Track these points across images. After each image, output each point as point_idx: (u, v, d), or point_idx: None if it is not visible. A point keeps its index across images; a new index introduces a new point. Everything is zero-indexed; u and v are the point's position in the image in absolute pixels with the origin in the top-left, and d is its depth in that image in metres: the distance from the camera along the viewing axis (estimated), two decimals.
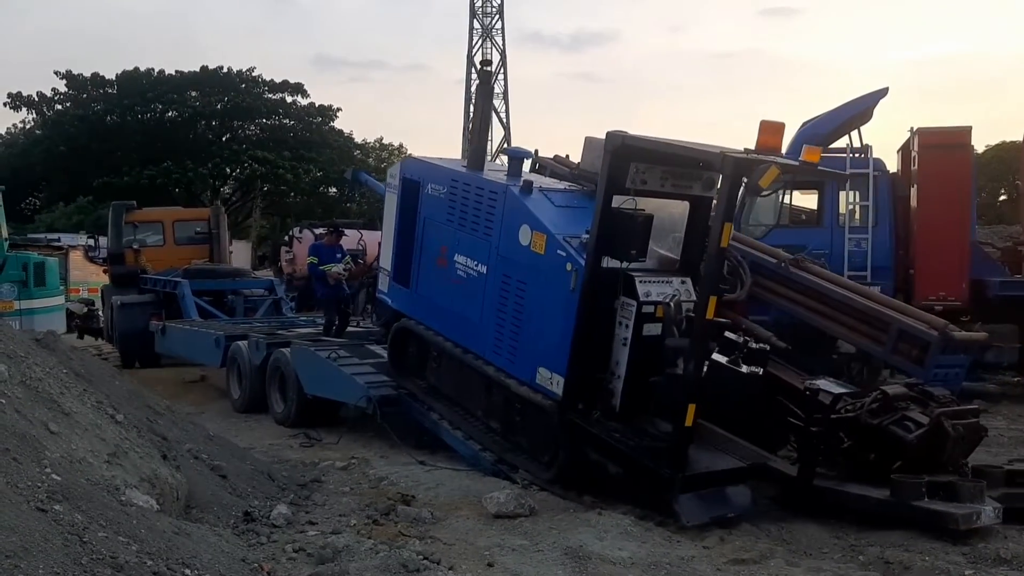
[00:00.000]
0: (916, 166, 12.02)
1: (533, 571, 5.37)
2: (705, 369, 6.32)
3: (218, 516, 5.57)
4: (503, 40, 65.18)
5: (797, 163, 6.49)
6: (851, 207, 12.57)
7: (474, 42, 64.88)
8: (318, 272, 11.93)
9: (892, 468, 6.56)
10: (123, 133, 44.62)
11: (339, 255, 12.12)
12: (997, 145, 43.64)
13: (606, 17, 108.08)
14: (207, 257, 18.40)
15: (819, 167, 6.82)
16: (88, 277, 27.67)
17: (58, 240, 33.20)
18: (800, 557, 5.92)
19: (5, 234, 12.79)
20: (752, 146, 6.34)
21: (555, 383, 7.07)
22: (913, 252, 12.08)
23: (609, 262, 6.89)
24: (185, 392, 13.40)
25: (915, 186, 12.07)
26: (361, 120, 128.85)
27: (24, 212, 53.05)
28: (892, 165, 12.88)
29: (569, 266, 7.00)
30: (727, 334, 6.51)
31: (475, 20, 63.45)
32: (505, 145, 47.83)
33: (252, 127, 48.28)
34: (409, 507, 6.64)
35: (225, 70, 46.82)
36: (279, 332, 12.27)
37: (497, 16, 63.43)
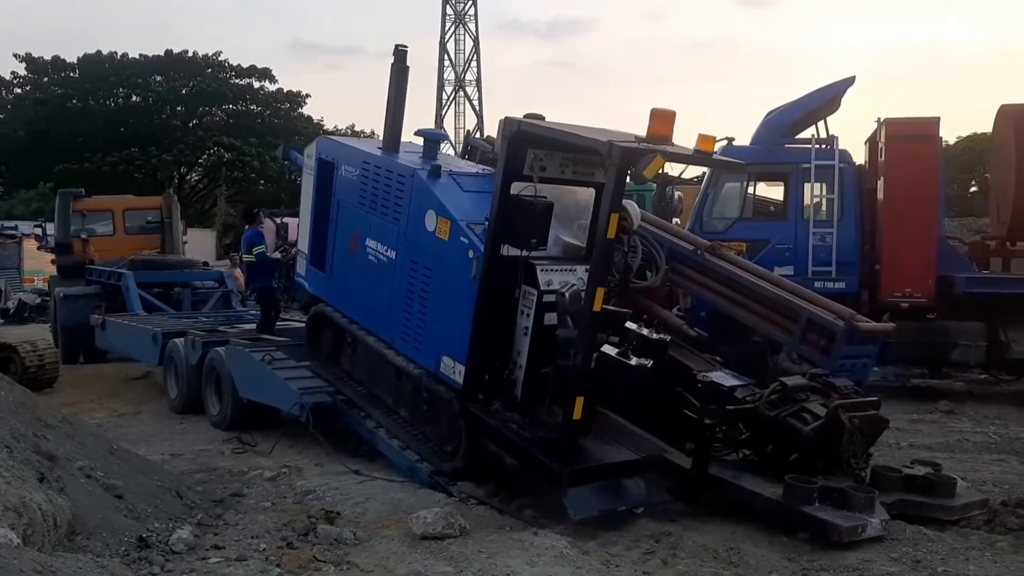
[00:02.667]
0: (883, 158, 11.62)
1: None
2: (595, 361, 6.06)
3: (106, 543, 5.04)
4: (476, 27, 64.76)
5: (688, 153, 6.08)
6: (816, 200, 12.19)
7: (446, 28, 64.43)
8: (265, 260, 11.24)
9: (788, 461, 6.39)
10: (85, 118, 43.52)
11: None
12: (968, 136, 43.70)
13: (584, 4, 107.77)
14: (159, 247, 17.77)
15: (714, 157, 6.50)
16: (44, 267, 26.84)
17: (14, 228, 32.36)
18: None
19: None
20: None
21: (458, 372, 6.90)
22: (879, 247, 11.69)
23: (510, 250, 6.61)
24: (125, 390, 12.84)
25: (882, 178, 11.67)
26: (335, 107, 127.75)
27: None
28: (860, 157, 12.50)
29: (471, 253, 6.81)
30: (627, 324, 6.27)
31: (447, 6, 62.94)
32: (477, 134, 47.36)
33: (218, 113, 47.33)
34: (332, 526, 6.13)
35: (191, 54, 45.85)
36: (220, 329, 11.70)
37: (470, 2, 62.92)
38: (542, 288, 6.64)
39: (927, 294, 11.35)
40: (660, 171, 5.87)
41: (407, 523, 6.13)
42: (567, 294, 6.41)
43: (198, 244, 30.25)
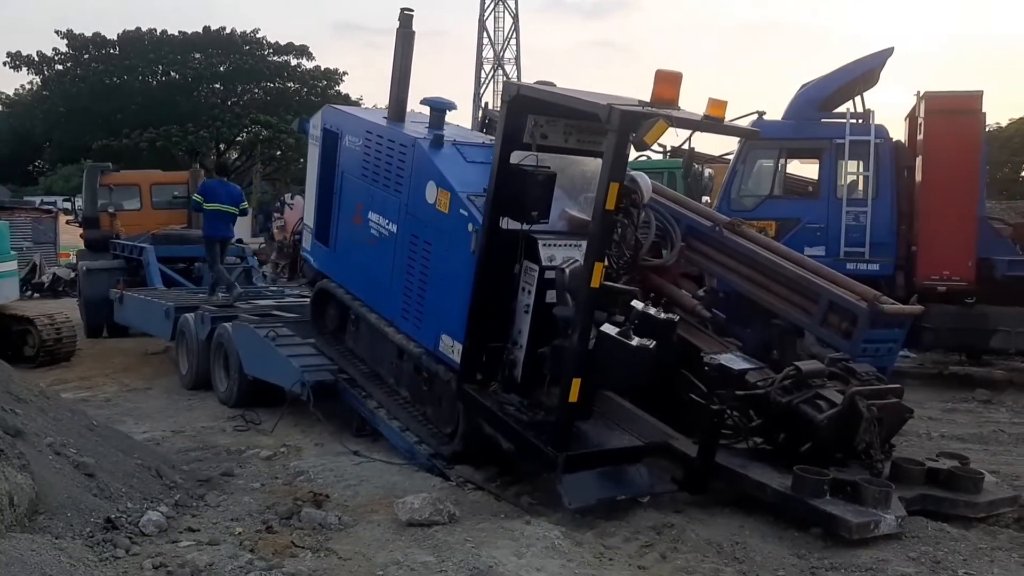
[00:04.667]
0: (922, 133, 11.03)
1: None
2: (594, 341, 5.69)
3: (70, 523, 4.81)
4: (516, 4, 64.17)
5: (696, 118, 5.63)
6: (850, 177, 11.63)
7: (486, 5, 63.93)
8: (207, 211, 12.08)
9: (801, 450, 6.02)
10: (124, 94, 43.90)
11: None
12: (1020, 119, 42.30)
13: None
14: (186, 223, 17.69)
15: (728, 123, 5.92)
16: (78, 241, 27.07)
17: (54, 203, 32.70)
18: None
19: None
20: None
21: (456, 351, 6.60)
22: (916, 227, 11.11)
23: (510, 223, 6.25)
24: (142, 365, 12.72)
25: (920, 155, 11.08)
26: (375, 86, 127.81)
27: (31, 174, 52.76)
28: (900, 133, 11.91)
29: (471, 226, 6.46)
30: (633, 303, 5.88)
31: None
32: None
33: (256, 90, 47.40)
34: (318, 509, 5.86)
35: (228, 31, 45.91)
36: (233, 304, 11.50)
37: None
38: (544, 264, 6.29)
39: (966, 277, 10.76)
40: (685, 148, 5.43)
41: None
42: (567, 270, 6.05)
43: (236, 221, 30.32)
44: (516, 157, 6.28)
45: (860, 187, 11.61)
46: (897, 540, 5.51)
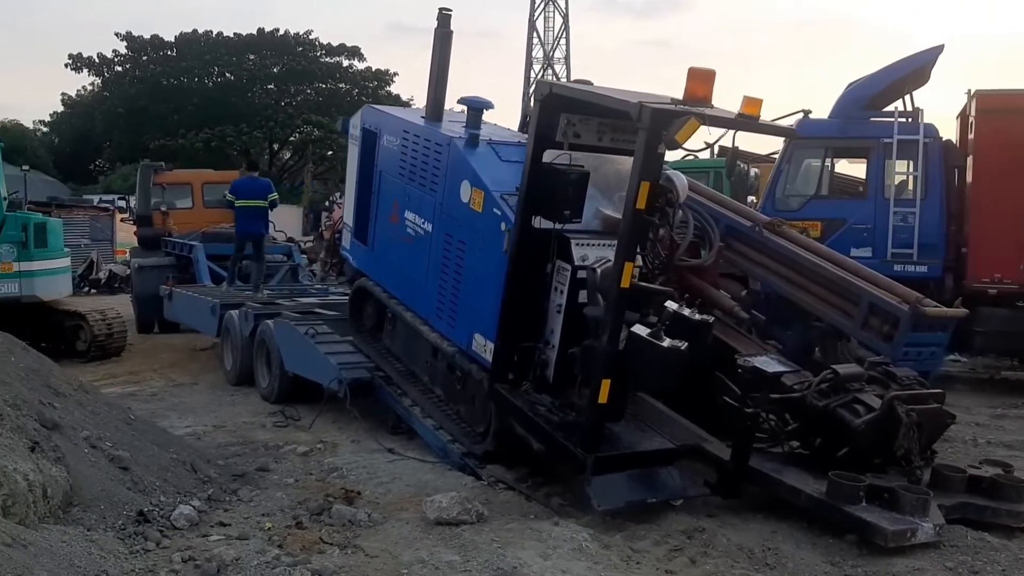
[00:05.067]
0: (973, 132, 10.75)
1: None
2: (625, 341, 5.62)
3: (103, 515, 4.91)
4: (566, 3, 64.01)
5: (730, 116, 5.52)
6: (901, 177, 11.37)
7: (536, 5, 63.88)
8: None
9: (837, 456, 5.88)
10: (180, 95, 44.72)
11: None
12: None
13: None
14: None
15: (763, 122, 5.78)
16: (135, 239, 27.66)
17: (111, 202, 33.44)
18: None
19: (4, 193, 12.30)
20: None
21: (488, 351, 6.61)
22: (966, 228, 10.83)
23: (543, 222, 6.22)
24: (189, 360, 12.94)
25: (971, 155, 10.80)
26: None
27: (92, 173, 54.05)
28: (952, 134, 11.61)
29: (503, 226, 6.46)
30: (667, 304, 5.78)
31: None
32: None
33: (308, 91, 47.98)
34: (348, 506, 5.92)
35: (282, 33, 46.53)
36: (277, 301, 11.66)
37: None
38: (576, 263, 6.27)
39: (1018, 280, 10.45)
40: (724, 146, 5.31)
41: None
42: (599, 270, 6.02)
43: (287, 220, 30.74)
44: (549, 156, 6.26)
45: (909, 187, 11.37)
46: (934, 549, 5.38)
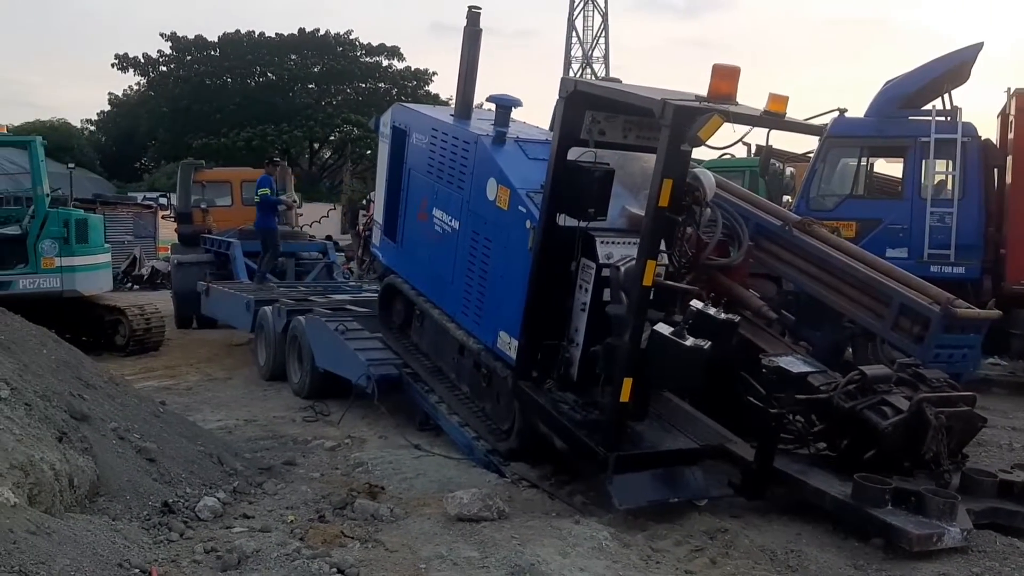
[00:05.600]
0: (1013, 132, 10.53)
1: None
2: (647, 340, 5.59)
3: (128, 506, 5.00)
4: (604, 2, 63.82)
5: (755, 113, 5.44)
6: (940, 177, 11.18)
7: (575, 4, 63.77)
8: (268, 202, 13.88)
9: (864, 458, 5.82)
10: (223, 95, 45.29)
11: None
12: None
13: None
14: None
15: (789, 119, 5.62)
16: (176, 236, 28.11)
17: (154, 199, 33.98)
18: None
19: (47, 189, 12.56)
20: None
21: (513, 348, 6.62)
22: (1005, 229, 10.62)
23: (568, 220, 6.22)
24: (224, 355, 13.13)
25: (1011, 154, 10.58)
26: None
27: (137, 171, 54.97)
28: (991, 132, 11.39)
29: (528, 223, 6.46)
30: (693, 303, 5.76)
31: None
32: None
33: (348, 90, 48.34)
34: (372, 501, 5.96)
35: (323, 33, 46.93)
36: (309, 298, 11.79)
37: None
38: (601, 261, 6.25)
39: None
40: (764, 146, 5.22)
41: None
42: (622, 268, 5.99)
43: (328, 219, 31.02)
44: (574, 153, 6.25)
45: (948, 187, 11.17)
46: (961, 554, 5.29)
